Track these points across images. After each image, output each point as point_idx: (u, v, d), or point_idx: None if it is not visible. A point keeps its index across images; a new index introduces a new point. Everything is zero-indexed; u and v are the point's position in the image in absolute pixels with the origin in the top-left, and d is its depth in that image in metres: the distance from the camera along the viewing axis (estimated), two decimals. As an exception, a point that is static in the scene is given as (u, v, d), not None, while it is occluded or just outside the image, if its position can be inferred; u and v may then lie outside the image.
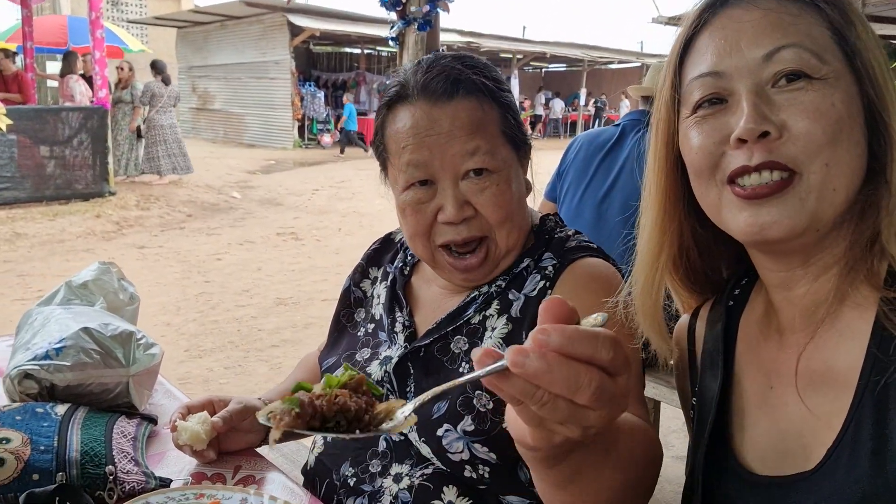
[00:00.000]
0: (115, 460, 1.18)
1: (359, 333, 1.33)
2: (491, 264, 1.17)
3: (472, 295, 1.19)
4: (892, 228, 0.78)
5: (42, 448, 1.15)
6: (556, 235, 1.21)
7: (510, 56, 23.04)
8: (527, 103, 24.42)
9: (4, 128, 8.75)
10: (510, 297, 1.15)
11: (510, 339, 1.11)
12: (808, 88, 0.78)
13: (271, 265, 7.03)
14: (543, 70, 29.91)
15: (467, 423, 1.07)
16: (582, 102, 26.25)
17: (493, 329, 1.13)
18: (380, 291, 1.35)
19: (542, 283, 1.13)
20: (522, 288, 1.15)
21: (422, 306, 1.27)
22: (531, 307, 1.11)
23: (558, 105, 26.06)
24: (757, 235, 0.80)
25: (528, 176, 1.23)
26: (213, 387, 4.15)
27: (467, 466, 1.07)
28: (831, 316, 0.83)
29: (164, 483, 1.18)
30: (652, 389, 2.66)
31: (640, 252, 0.96)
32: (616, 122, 2.99)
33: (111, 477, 1.15)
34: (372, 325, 1.32)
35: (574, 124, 26.10)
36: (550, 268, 1.14)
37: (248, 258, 7.33)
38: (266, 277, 6.56)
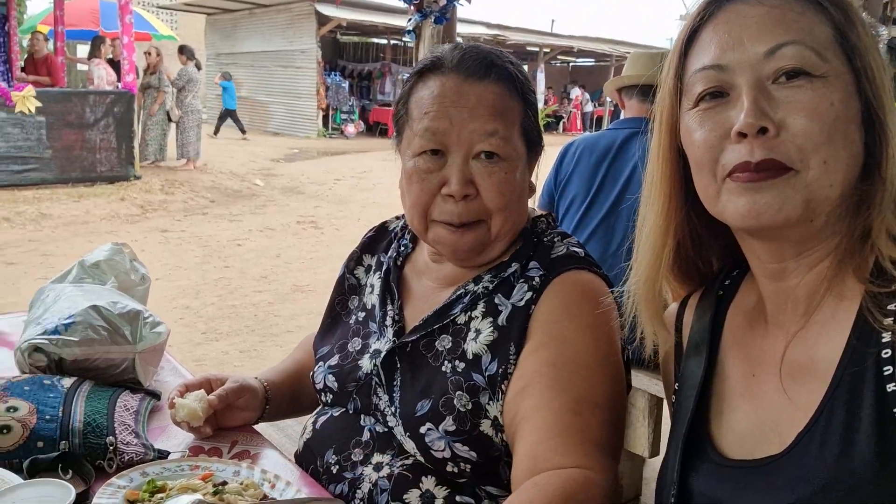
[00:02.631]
0: (116, 432, 1.23)
1: (350, 321, 1.35)
2: (480, 247, 1.18)
3: (459, 293, 1.20)
4: (883, 224, 0.80)
5: (47, 417, 1.20)
6: (544, 240, 1.21)
7: (537, 50, 22.94)
8: (553, 99, 24.34)
9: (33, 110, 8.92)
10: (496, 301, 1.16)
11: (496, 347, 1.12)
12: (808, 87, 0.80)
13: (290, 252, 7.11)
14: (570, 64, 29.72)
15: (448, 424, 1.09)
16: (608, 98, 26.05)
17: (478, 332, 1.15)
18: (373, 281, 1.36)
19: (528, 293, 1.14)
20: (510, 295, 1.15)
21: (412, 300, 1.28)
22: (517, 318, 1.12)
23: (588, 99, 25.94)
24: (753, 220, 0.82)
25: (533, 178, 1.25)
26: (228, 369, 4.22)
27: (449, 463, 1.10)
28: (819, 307, 0.85)
29: (163, 455, 1.23)
30: (655, 387, 2.67)
31: (642, 242, 0.97)
32: (612, 127, 2.87)
33: (111, 447, 1.19)
34: (363, 314, 1.33)
35: (600, 119, 25.95)
36: (538, 279, 1.14)
37: (267, 245, 7.41)
38: (284, 264, 6.63)
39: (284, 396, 1.43)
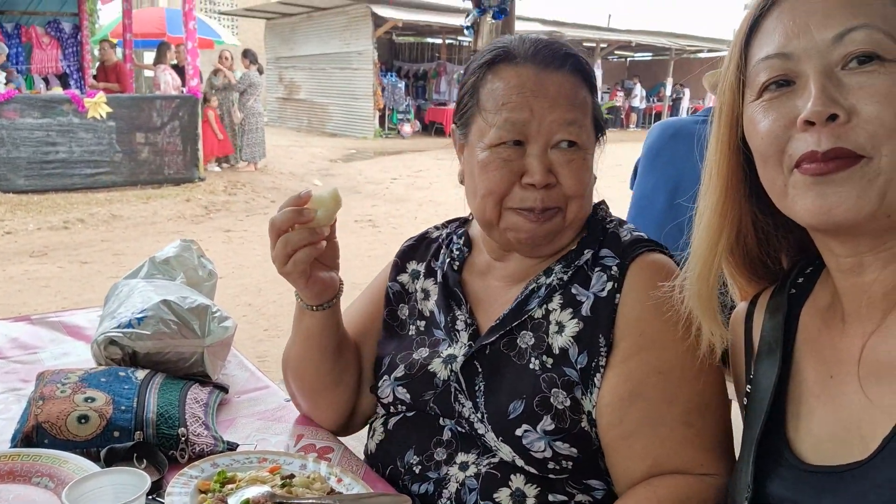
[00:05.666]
0: (188, 423, 1.26)
1: (409, 333, 1.31)
2: (554, 235, 1.17)
3: (531, 287, 1.18)
4: None
5: (123, 408, 1.24)
6: (608, 228, 1.21)
7: (594, 45, 22.64)
8: (613, 93, 24.06)
9: (105, 115, 9.27)
10: (573, 291, 1.15)
11: (583, 339, 1.10)
12: (881, 71, 0.76)
13: (348, 251, 7.12)
14: (628, 59, 29.22)
15: (547, 423, 1.08)
16: (668, 93, 25.57)
17: (560, 325, 1.13)
18: (426, 286, 1.33)
19: (609, 283, 1.12)
20: (588, 285, 1.14)
21: (479, 302, 1.26)
22: (603, 309, 1.11)
23: (640, 93, 25.50)
24: (824, 216, 0.78)
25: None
26: (290, 366, 4.30)
27: (550, 462, 1.08)
28: None
29: (231, 447, 1.25)
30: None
31: (697, 237, 0.95)
32: (698, 113, 2.85)
33: (183, 438, 1.22)
34: (423, 323, 1.30)
35: (658, 115, 25.48)
36: (615, 268, 1.13)
37: (326, 244, 7.51)
38: (343, 262, 6.54)
39: (337, 325, 1.31)
